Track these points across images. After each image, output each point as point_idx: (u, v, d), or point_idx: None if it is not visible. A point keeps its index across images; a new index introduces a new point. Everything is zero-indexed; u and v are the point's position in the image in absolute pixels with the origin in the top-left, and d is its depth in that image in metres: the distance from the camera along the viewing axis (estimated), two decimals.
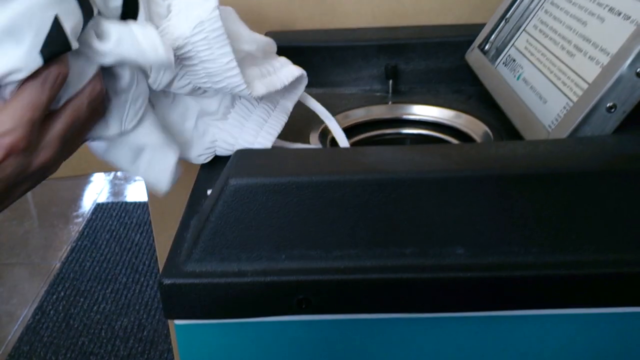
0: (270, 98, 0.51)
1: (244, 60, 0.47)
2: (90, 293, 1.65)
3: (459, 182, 0.40)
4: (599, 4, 0.48)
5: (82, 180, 2.22)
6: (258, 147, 0.50)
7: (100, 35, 0.38)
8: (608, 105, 0.42)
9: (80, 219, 2.01)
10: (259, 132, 0.51)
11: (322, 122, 0.61)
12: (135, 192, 2.16)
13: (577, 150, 0.42)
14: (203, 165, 0.53)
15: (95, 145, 0.45)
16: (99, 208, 2.05)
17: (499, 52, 0.61)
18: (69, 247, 1.85)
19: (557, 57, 0.50)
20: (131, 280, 1.70)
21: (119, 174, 2.25)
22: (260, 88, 0.47)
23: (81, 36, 0.37)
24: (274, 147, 0.51)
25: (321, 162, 0.43)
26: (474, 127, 0.59)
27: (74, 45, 0.35)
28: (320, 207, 0.40)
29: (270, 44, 0.52)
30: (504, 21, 0.62)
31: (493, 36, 0.63)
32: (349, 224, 0.40)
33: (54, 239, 1.91)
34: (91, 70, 0.39)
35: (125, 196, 2.14)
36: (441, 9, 0.78)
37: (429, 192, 0.40)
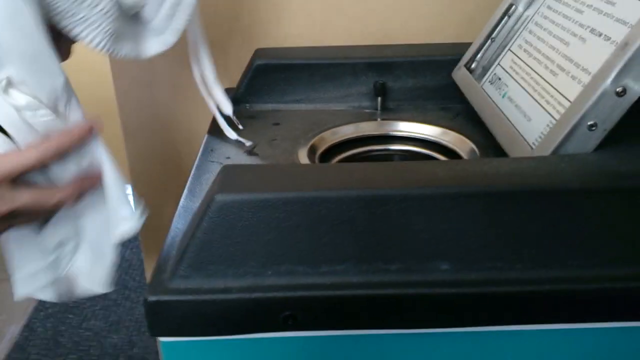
0: None
1: None
2: (79, 310, 1.63)
3: (445, 199, 0.40)
4: (581, 25, 0.49)
5: None
6: None
7: None
8: (589, 123, 0.43)
9: None
10: None
11: (311, 137, 0.61)
12: None
13: (560, 167, 0.42)
14: (190, 182, 0.54)
15: None
16: None
17: (485, 70, 0.62)
18: None
19: (540, 76, 0.51)
20: (121, 296, 1.68)
21: None
22: None
23: None
24: (260, 164, 0.51)
25: (308, 178, 0.43)
26: (460, 144, 0.60)
27: None
28: (307, 223, 0.40)
29: None
30: (490, 40, 0.63)
31: (479, 55, 0.64)
32: (335, 240, 0.40)
33: None
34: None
35: None
36: (429, 29, 0.79)
37: (415, 208, 0.40)
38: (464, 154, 0.58)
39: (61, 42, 0.45)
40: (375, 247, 0.41)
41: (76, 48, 0.49)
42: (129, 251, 1.88)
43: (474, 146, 0.58)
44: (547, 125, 0.47)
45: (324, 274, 0.40)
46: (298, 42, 0.80)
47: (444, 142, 0.61)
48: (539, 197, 0.40)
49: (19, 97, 0.41)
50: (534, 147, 0.47)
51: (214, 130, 0.64)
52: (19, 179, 0.43)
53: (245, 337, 0.41)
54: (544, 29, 0.55)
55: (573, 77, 0.46)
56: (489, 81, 0.60)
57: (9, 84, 0.41)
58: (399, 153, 0.64)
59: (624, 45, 0.42)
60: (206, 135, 0.63)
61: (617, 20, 0.44)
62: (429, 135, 0.63)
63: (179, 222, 0.47)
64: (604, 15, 0.46)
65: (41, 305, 1.64)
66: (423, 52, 0.71)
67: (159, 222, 0.89)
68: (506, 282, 0.40)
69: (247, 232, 0.40)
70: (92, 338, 1.52)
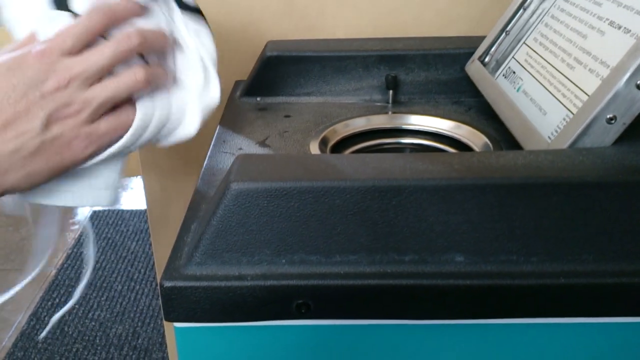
0: None
1: None
2: (85, 300, 1.64)
3: (460, 190, 0.40)
4: (599, 18, 0.48)
5: None
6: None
7: None
8: (608, 116, 0.42)
9: (76, 227, 2.00)
10: None
11: (322, 130, 0.61)
12: (132, 200, 2.15)
13: (577, 160, 0.42)
14: (204, 172, 0.53)
15: None
16: (95, 215, 2.04)
17: (499, 64, 0.62)
18: (64, 254, 1.85)
19: (557, 70, 0.51)
20: (126, 288, 1.69)
21: None
22: None
23: None
24: (275, 153, 0.51)
25: (323, 168, 0.43)
26: (473, 138, 0.60)
27: None
28: (321, 213, 0.40)
29: None
30: (504, 34, 0.63)
31: (493, 48, 0.63)
32: (349, 229, 0.40)
33: None
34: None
35: (121, 204, 2.14)
36: (442, 23, 0.79)
37: (429, 199, 0.40)
38: (477, 148, 0.58)
39: None
40: (389, 238, 0.40)
41: None
42: (135, 243, 1.89)
43: (487, 140, 0.58)
44: (564, 119, 0.46)
45: (337, 264, 0.40)
46: (309, 35, 0.80)
47: (457, 136, 0.61)
48: (555, 190, 0.40)
49: None
50: (549, 140, 0.47)
51: (226, 121, 0.64)
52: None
53: (258, 324, 0.41)
54: (561, 22, 0.54)
55: (591, 70, 0.46)
56: (503, 75, 0.60)
57: None
58: (411, 146, 0.64)
59: None
60: (218, 126, 0.63)
61: (638, 12, 0.44)
62: (441, 129, 0.63)
63: (193, 210, 0.47)
64: (624, 7, 0.46)
65: (48, 295, 1.65)
66: (435, 45, 0.70)
67: (168, 213, 0.89)
68: (521, 275, 0.40)
69: (261, 220, 0.40)
70: (97, 328, 1.53)
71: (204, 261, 0.40)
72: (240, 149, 0.58)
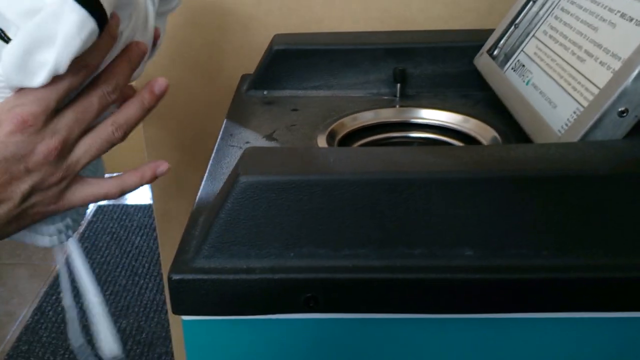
0: None
1: None
2: None
3: (469, 183, 0.40)
4: (610, 10, 0.48)
5: None
6: None
7: None
8: (620, 109, 0.42)
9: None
10: None
11: (330, 123, 0.61)
12: (137, 195, 2.16)
13: (589, 153, 0.42)
14: (211, 166, 0.53)
15: None
16: (100, 210, 2.05)
17: (507, 57, 0.61)
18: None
19: (567, 63, 0.50)
20: (131, 282, 1.69)
21: None
22: None
23: None
24: (284, 147, 0.51)
25: (332, 161, 0.43)
26: (482, 131, 0.59)
27: None
28: (330, 206, 0.40)
29: None
30: (513, 27, 0.62)
31: (502, 42, 0.63)
32: (358, 223, 0.40)
33: None
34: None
35: (126, 199, 2.14)
36: (450, 16, 0.78)
37: (439, 192, 0.40)
38: (485, 142, 0.58)
39: None
40: (398, 231, 0.40)
41: None
42: (139, 238, 1.89)
43: (496, 134, 0.57)
44: (574, 112, 0.46)
45: (345, 257, 0.40)
46: (316, 28, 0.79)
47: (465, 130, 0.61)
48: (566, 183, 0.39)
49: None
50: (560, 134, 0.46)
51: (233, 115, 0.64)
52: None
53: (266, 317, 0.41)
54: (571, 15, 0.54)
55: (602, 63, 0.45)
56: (512, 68, 0.59)
57: None
58: (419, 140, 0.64)
59: None
60: (225, 120, 0.63)
61: None
62: (449, 123, 0.62)
63: (201, 204, 0.46)
64: None
65: (52, 289, 1.66)
66: (444, 38, 0.70)
67: (175, 208, 0.89)
68: (531, 269, 0.39)
69: (270, 213, 0.39)
70: None
71: (212, 254, 0.40)
72: (248, 142, 0.58)
